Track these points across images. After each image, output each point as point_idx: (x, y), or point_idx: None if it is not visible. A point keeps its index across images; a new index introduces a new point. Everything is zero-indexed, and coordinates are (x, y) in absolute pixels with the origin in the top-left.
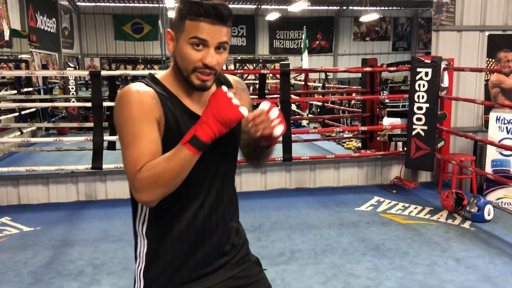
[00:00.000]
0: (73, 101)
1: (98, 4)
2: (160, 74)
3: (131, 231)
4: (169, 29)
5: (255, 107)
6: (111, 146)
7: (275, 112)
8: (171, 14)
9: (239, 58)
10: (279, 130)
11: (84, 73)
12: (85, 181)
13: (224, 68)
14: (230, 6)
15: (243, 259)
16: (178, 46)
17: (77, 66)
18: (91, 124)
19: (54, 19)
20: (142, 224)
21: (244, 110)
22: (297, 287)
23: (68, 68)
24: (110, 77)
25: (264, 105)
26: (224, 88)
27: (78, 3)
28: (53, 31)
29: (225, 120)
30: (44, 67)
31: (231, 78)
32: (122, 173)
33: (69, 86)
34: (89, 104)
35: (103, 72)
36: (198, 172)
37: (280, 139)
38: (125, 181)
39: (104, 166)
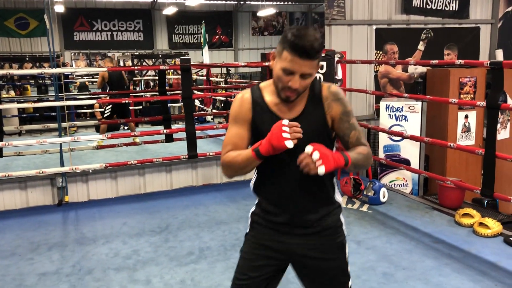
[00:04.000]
0: None
1: None
2: (264, 82)
3: (26, 243)
4: (273, 50)
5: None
6: None
7: (316, 154)
8: (59, 9)
9: (137, 53)
10: (321, 170)
11: None
12: None
13: (122, 64)
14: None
15: (324, 235)
16: (275, 67)
17: None
18: None
19: None
20: (253, 184)
21: (289, 143)
22: (207, 286)
23: None
24: None
25: (308, 148)
26: (285, 121)
27: None
28: None
29: (273, 145)
30: None
31: (326, 89)
32: (12, 182)
33: None
34: None
35: None
36: (281, 164)
37: (184, 136)
38: (16, 190)
39: None
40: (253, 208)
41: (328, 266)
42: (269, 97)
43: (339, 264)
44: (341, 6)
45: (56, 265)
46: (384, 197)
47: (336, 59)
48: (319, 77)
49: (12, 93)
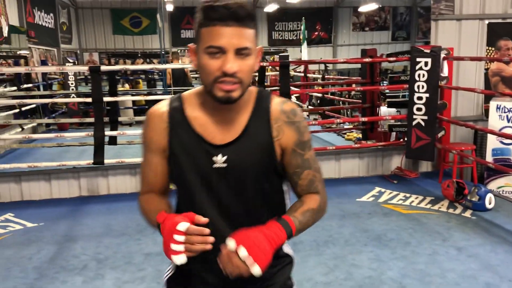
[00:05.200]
0: (73, 97)
1: None
2: (189, 91)
3: (134, 225)
4: (190, 44)
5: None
6: (112, 141)
7: (243, 251)
8: (169, 8)
9: None
10: (256, 270)
11: (84, 68)
12: (87, 177)
13: None
14: None
15: None
16: (198, 59)
17: (76, 61)
18: (92, 120)
19: (51, 14)
20: None
21: (178, 259)
22: (300, 279)
23: (67, 64)
24: (110, 72)
25: (230, 243)
26: (180, 226)
27: None
28: (51, 27)
29: (164, 251)
30: (43, 62)
31: (278, 105)
32: (123, 168)
33: (68, 82)
34: (89, 100)
35: (103, 67)
36: (203, 206)
37: None
38: (127, 175)
39: (106, 161)
40: (169, 273)
41: None
42: (194, 111)
43: None
44: (450, 0)
45: (159, 247)
46: (490, 204)
47: (442, 55)
48: (269, 90)
49: (126, 86)
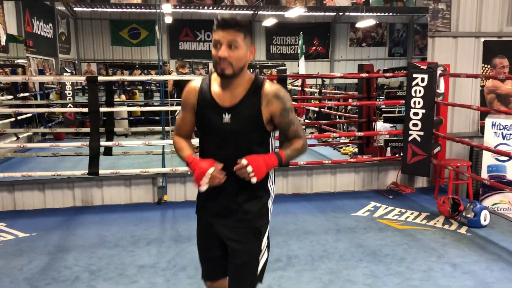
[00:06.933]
0: (70, 106)
1: (95, 9)
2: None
3: (128, 237)
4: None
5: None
6: (108, 151)
7: (249, 168)
8: (168, 20)
9: None
10: (253, 180)
11: (81, 79)
12: (81, 187)
13: None
14: (226, 11)
15: (243, 221)
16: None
17: (74, 71)
18: (88, 130)
19: (51, 24)
20: None
21: (202, 189)
22: None
23: (65, 73)
24: (107, 83)
25: (243, 161)
26: (210, 170)
27: (75, 9)
28: (49, 36)
29: (194, 178)
30: (41, 72)
31: (268, 86)
32: (118, 179)
33: (66, 91)
34: (86, 110)
35: (100, 78)
36: (216, 147)
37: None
38: (121, 186)
39: (101, 171)
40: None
41: (240, 249)
42: (215, 86)
43: (250, 250)
44: (447, 18)
45: (153, 259)
46: (485, 220)
47: (439, 72)
48: (267, 78)
49: (123, 97)
